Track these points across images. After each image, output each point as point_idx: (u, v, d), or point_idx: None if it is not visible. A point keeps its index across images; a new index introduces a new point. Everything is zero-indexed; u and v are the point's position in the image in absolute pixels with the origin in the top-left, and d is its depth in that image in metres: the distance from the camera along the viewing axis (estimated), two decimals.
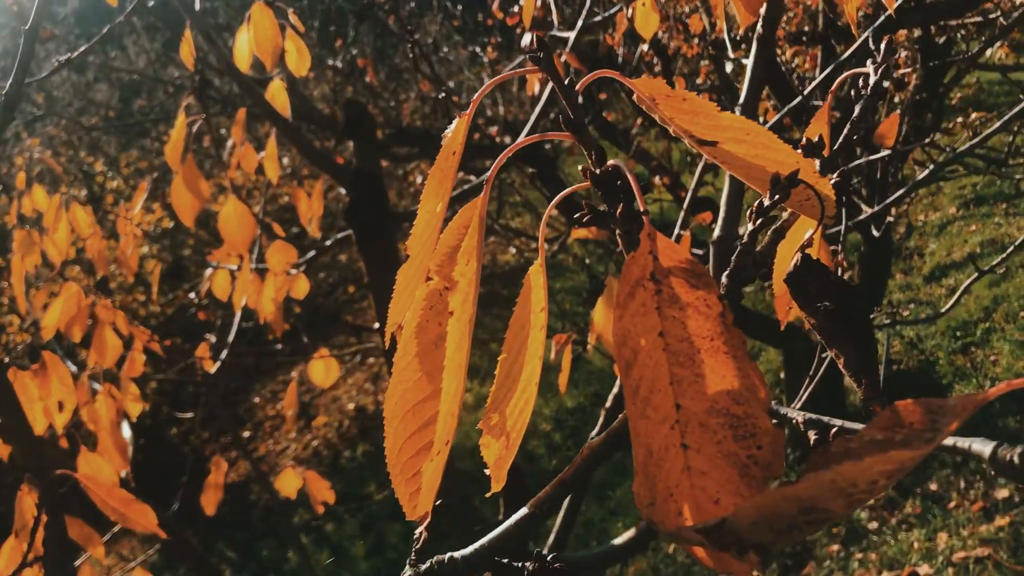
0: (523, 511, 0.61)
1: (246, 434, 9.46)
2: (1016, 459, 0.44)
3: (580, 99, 0.54)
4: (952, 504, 4.32)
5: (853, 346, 0.61)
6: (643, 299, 0.48)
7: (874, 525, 4.43)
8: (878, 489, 0.40)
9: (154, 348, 3.37)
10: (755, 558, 0.40)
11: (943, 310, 2.57)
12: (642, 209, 0.50)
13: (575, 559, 2.77)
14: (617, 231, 0.53)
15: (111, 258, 5.14)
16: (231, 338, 3.85)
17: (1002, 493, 4.20)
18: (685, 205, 3.06)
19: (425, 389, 0.58)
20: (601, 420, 2.89)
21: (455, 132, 0.59)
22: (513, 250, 9.48)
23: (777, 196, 0.61)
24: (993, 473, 0.46)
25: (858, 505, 0.41)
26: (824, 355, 1.78)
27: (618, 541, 2.76)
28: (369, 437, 8.51)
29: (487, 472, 0.60)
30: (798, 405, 2.86)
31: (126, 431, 3.06)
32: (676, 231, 3.35)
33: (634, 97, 0.59)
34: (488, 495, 0.64)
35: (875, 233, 4.20)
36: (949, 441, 0.49)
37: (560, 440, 6.99)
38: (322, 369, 3.39)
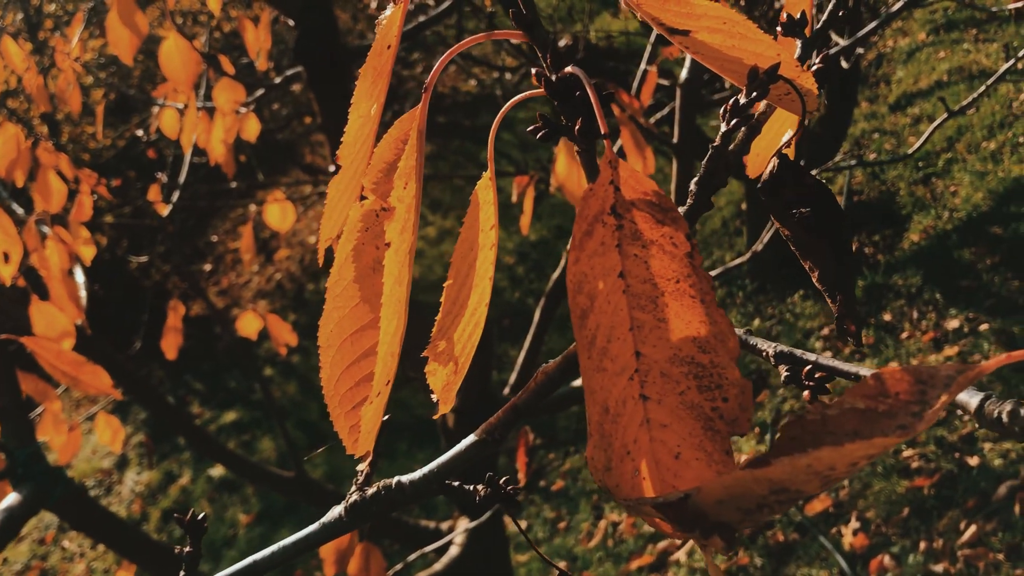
0: (472, 437, 0.57)
1: (207, 267, 9.40)
2: (1005, 416, 0.40)
3: None
4: (904, 335, 4.44)
5: (829, 259, 0.57)
6: (602, 236, 0.42)
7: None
8: (856, 470, 0.36)
9: (101, 192, 3.25)
10: (720, 542, 0.36)
11: (912, 150, 2.53)
12: (603, 131, 0.43)
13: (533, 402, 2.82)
14: (576, 149, 0.47)
15: (51, 93, 4.89)
16: (182, 178, 3.71)
17: (952, 324, 4.31)
18: (651, 38, 2.93)
19: (363, 317, 0.53)
20: (564, 261, 2.88)
21: (390, 22, 0.51)
22: (474, 81, 9.20)
23: (755, 93, 0.54)
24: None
25: (834, 485, 0.37)
26: None
27: (577, 383, 2.80)
28: None
29: (434, 399, 0.56)
30: (759, 247, 2.84)
31: (79, 276, 2.99)
32: (643, 65, 3.23)
33: None
34: (435, 417, 0.60)
35: (844, 65, 4.09)
36: None
37: (523, 273, 7.03)
38: (278, 212, 3.31)
